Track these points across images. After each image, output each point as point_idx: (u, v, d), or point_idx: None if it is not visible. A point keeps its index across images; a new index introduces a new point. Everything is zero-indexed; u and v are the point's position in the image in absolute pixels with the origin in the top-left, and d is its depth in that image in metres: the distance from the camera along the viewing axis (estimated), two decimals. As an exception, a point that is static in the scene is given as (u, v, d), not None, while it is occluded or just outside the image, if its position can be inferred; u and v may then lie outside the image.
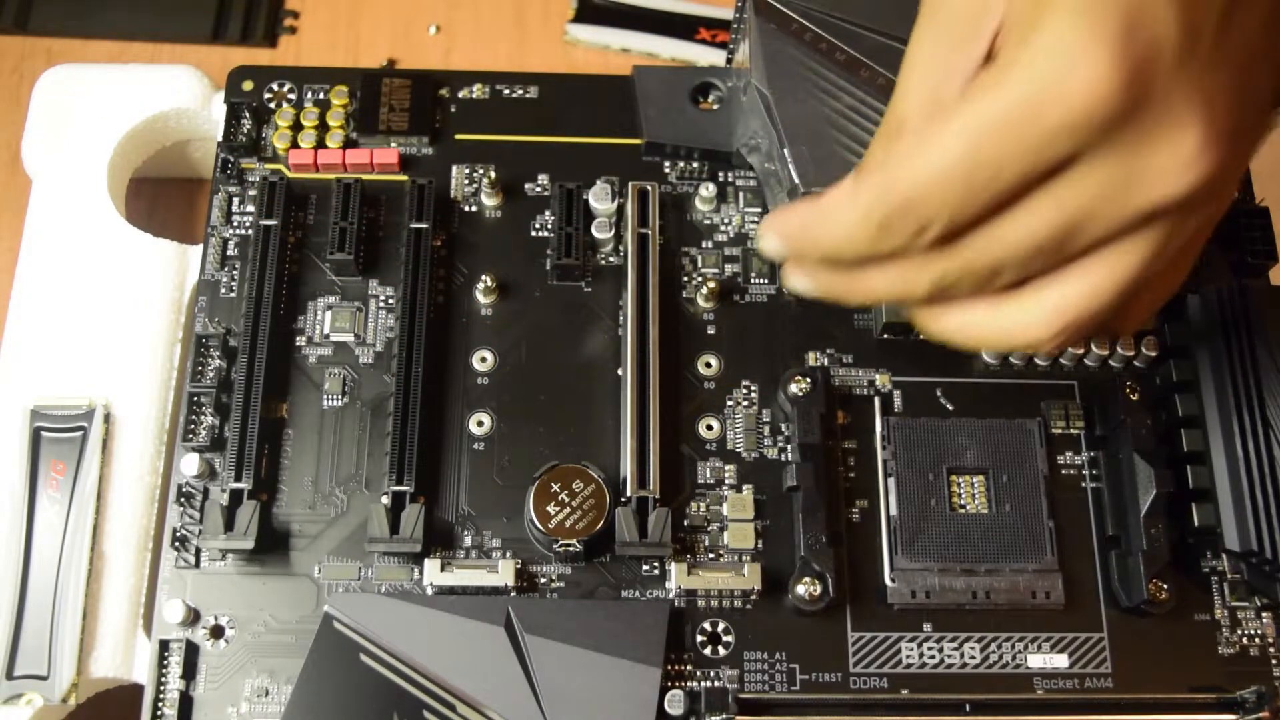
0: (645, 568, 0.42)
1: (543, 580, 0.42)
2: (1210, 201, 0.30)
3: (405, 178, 0.47)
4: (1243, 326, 0.43)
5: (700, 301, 0.46)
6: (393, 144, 0.48)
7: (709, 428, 0.44)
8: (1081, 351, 0.45)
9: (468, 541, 0.43)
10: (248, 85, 0.49)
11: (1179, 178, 0.29)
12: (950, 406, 0.45)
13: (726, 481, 0.44)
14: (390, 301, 0.46)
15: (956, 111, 0.29)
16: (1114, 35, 0.27)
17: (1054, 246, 0.30)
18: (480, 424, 0.44)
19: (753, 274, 0.47)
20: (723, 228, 0.48)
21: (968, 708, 0.40)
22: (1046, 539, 0.42)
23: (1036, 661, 0.42)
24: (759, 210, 0.48)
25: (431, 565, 0.41)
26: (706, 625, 0.42)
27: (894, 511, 0.43)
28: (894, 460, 0.43)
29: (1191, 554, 0.43)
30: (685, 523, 0.43)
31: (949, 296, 0.33)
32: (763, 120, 0.44)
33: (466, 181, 0.48)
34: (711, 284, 0.46)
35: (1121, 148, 0.29)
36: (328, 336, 0.45)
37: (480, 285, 0.46)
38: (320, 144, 0.48)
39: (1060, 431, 0.45)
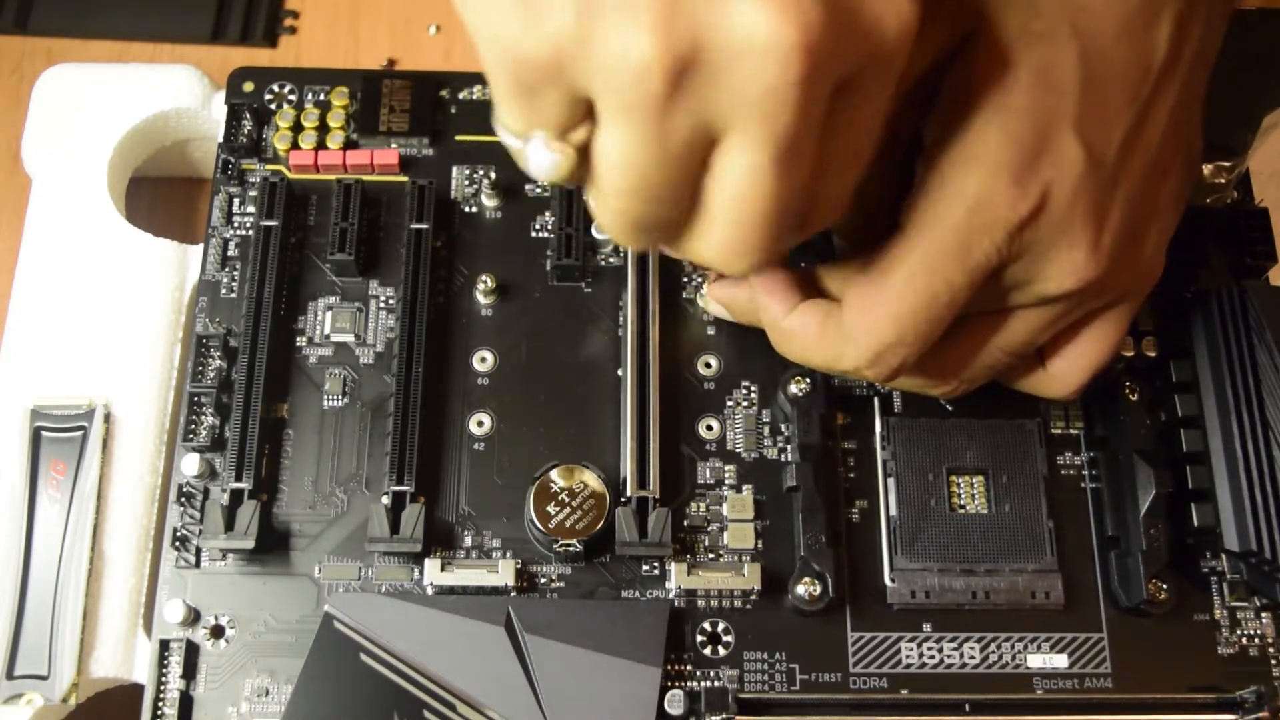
0: (645, 568, 0.42)
1: (543, 580, 0.42)
2: (1103, 293, 0.35)
3: (405, 178, 0.47)
4: (1243, 326, 0.43)
5: (700, 301, 0.46)
6: (393, 145, 0.48)
7: (709, 428, 0.44)
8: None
9: (468, 541, 0.43)
10: (248, 86, 0.49)
11: (1064, 282, 0.34)
12: (950, 406, 0.45)
13: (726, 482, 0.44)
14: (390, 302, 0.46)
15: (897, 261, 0.33)
16: (1019, 167, 0.32)
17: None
18: (480, 424, 0.44)
19: (753, 274, 0.47)
20: (723, 228, 0.48)
21: (967, 708, 0.40)
22: (1046, 539, 0.42)
23: (1036, 661, 0.42)
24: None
25: (431, 565, 0.41)
26: (706, 625, 0.42)
27: (894, 511, 0.43)
28: (894, 460, 0.43)
29: (1191, 554, 0.43)
30: (685, 523, 0.43)
31: None
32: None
33: (467, 182, 0.48)
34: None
35: (1024, 262, 0.33)
36: (328, 337, 0.45)
37: (480, 285, 0.46)
38: (321, 145, 0.48)
39: (1060, 431, 0.45)
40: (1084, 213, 0.32)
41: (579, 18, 0.24)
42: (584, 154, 0.28)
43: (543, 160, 0.28)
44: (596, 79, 0.25)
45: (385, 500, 0.42)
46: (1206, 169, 0.46)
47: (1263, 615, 0.43)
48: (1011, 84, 0.32)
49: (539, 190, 0.48)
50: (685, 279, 0.47)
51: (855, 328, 0.35)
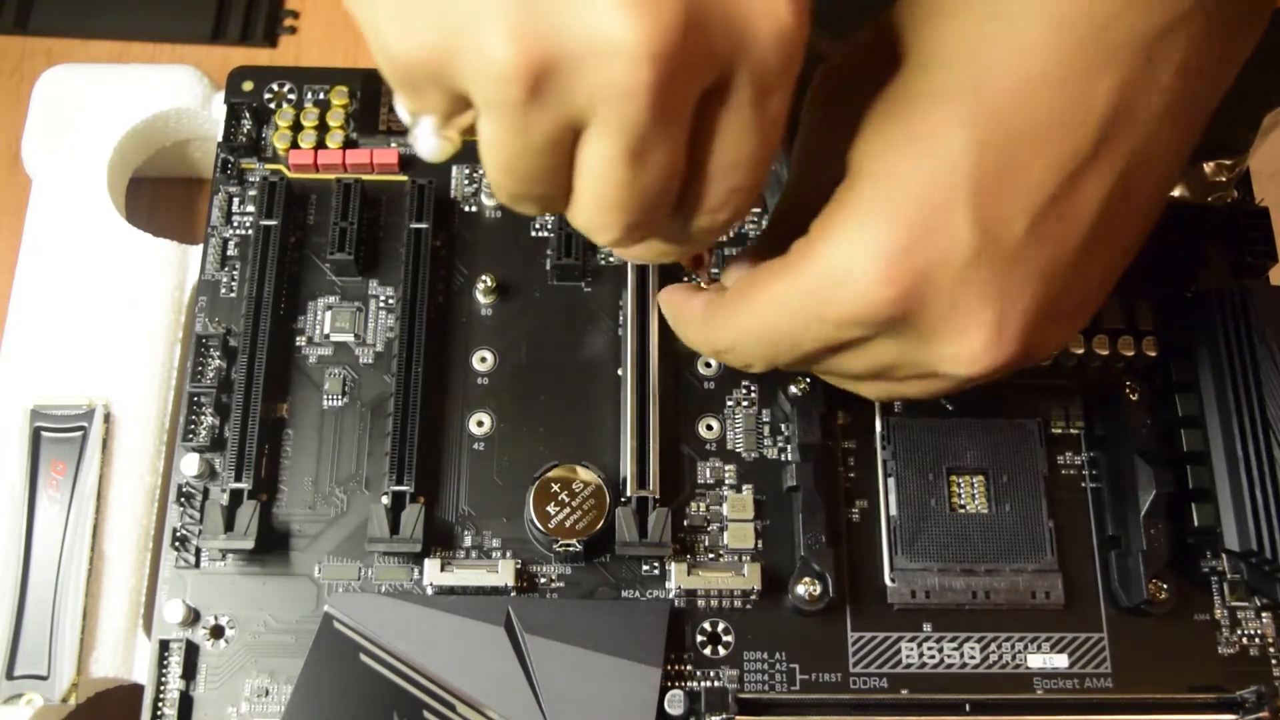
0: (645, 568, 0.42)
1: (543, 580, 0.42)
2: (1011, 368, 0.31)
3: (405, 178, 0.47)
4: (1243, 326, 0.43)
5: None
6: (393, 144, 0.48)
7: (709, 428, 0.44)
8: (1081, 351, 0.45)
9: (468, 541, 0.43)
10: (248, 85, 0.49)
11: (964, 368, 0.31)
12: (950, 406, 0.45)
13: (726, 481, 0.44)
14: (390, 301, 0.46)
15: (759, 284, 0.32)
16: (891, 253, 0.29)
17: (863, 380, 0.35)
18: (480, 424, 0.44)
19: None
20: (723, 228, 0.48)
21: (968, 708, 0.40)
22: (1046, 539, 0.42)
23: (1036, 661, 0.42)
24: (759, 210, 0.48)
25: (431, 565, 0.41)
26: (706, 625, 0.42)
27: (894, 511, 0.43)
28: (894, 460, 0.43)
29: (1191, 554, 0.43)
30: (685, 523, 0.43)
31: None
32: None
33: (466, 181, 0.48)
34: (711, 284, 0.46)
35: (908, 338, 0.31)
36: (328, 336, 0.45)
37: (480, 285, 0.46)
38: (320, 144, 0.48)
39: (1060, 431, 0.45)
40: (977, 298, 0.29)
41: (445, 28, 0.25)
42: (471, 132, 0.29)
43: (428, 144, 0.30)
44: (464, 81, 0.26)
45: (385, 500, 0.42)
46: (1207, 168, 0.45)
47: (1263, 615, 0.43)
48: (900, 145, 0.29)
49: (539, 190, 0.48)
50: (685, 279, 0.47)
51: (706, 317, 0.36)
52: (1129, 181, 0.29)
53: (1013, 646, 0.42)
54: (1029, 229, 0.29)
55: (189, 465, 0.42)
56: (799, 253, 0.31)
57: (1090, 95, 0.28)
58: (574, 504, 0.41)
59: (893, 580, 0.42)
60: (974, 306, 0.29)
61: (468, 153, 0.49)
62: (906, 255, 0.29)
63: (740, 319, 0.34)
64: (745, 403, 0.45)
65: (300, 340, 0.45)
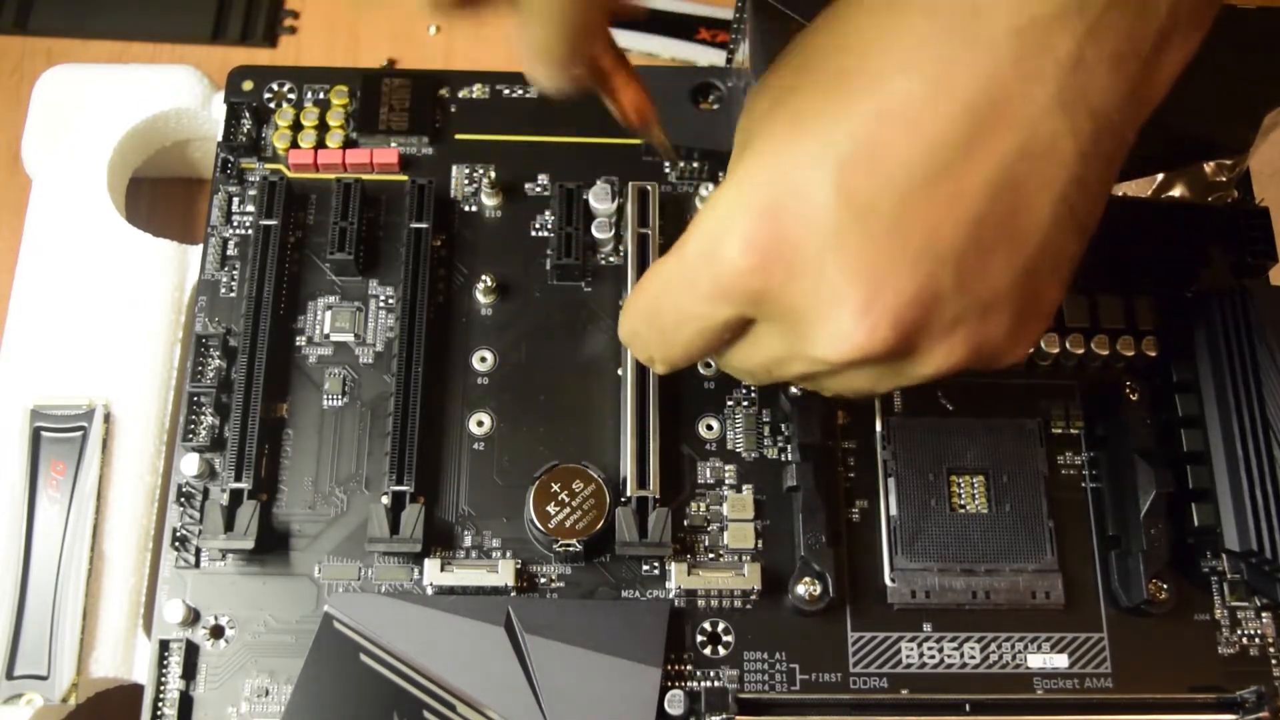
0: (645, 568, 0.42)
1: (543, 580, 0.42)
2: (888, 355, 0.30)
3: (405, 178, 0.47)
4: (1243, 326, 0.43)
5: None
6: (393, 144, 0.48)
7: (709, 428, 0.44)
8: (1081, 352, 0.45)
9: (468, 541, 0.43)
10: (248, 85, 0.49)
11: (836, 346, 0.29)
12: (950, 406, 0.45)
13: (726, 481, 0.44)
14: (390, 301, 0.46)
15: (654, 265, 0.33)
16: (754, 219, 0.29)
17: (765, 376, 0.34)
18: (480, 424, 0.44)
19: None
20: (723, 228, 0.48)
21: (968, 708, 0.40)
22: (1046, 539, 0.42)
23: (1036, 661, 0.42)
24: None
25: (431, 565, 0.41)
26: (706, 625, 0.42)
27: (894, 511, 0.43)
28: (894, 460, 0.43)
29: (1191, 554, 0.43)
30: (685, 523, 0.43)
31: None
32: (763, 120, 0.44)
33: (466, 181, 0.48)
34: None
35: (785, 322, 0.30)
36: (328, 336, 0.45)
37: (480, 285, 0.46)
38: (320, 144, 0.48)
39: (1060, 431, 0.45)
40: (843, 273, 0.28)
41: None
42: None
43: None
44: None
45: (385, 500, 0.42)
46: (1207, 168, 0.45)
47: (1263, 615, 0.43)
48: (785, 123, 0.30)
49: (539, 189, 0.48)
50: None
51: (625, 305, 0.37)
52: (1016, 175, 0.28)
53: (1013, 646, 0.42)
54: (898, 209, 0.28)
55: (189, 465, 0.42)
56: (687, 229, 0.32)
57: (956, 83, 0.28)
58: (574, 504, 0.41)
59: (893, 580, 0.42)
60: (840, 282, 0.29)
61: (468, 152, 0.49)
62: (769, 219, 0.29)
63: (635, 300, 0.35)
64: (745, 403, 0.45)
65: (300, 340, 0.45)
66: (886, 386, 0.33)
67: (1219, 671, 0.42)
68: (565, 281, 0.47)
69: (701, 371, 0.45)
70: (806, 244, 0.29)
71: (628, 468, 0.42)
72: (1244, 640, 0.42)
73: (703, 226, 0.31)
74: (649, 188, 0.47)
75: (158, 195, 0.54)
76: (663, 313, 0.33)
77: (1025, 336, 0.31)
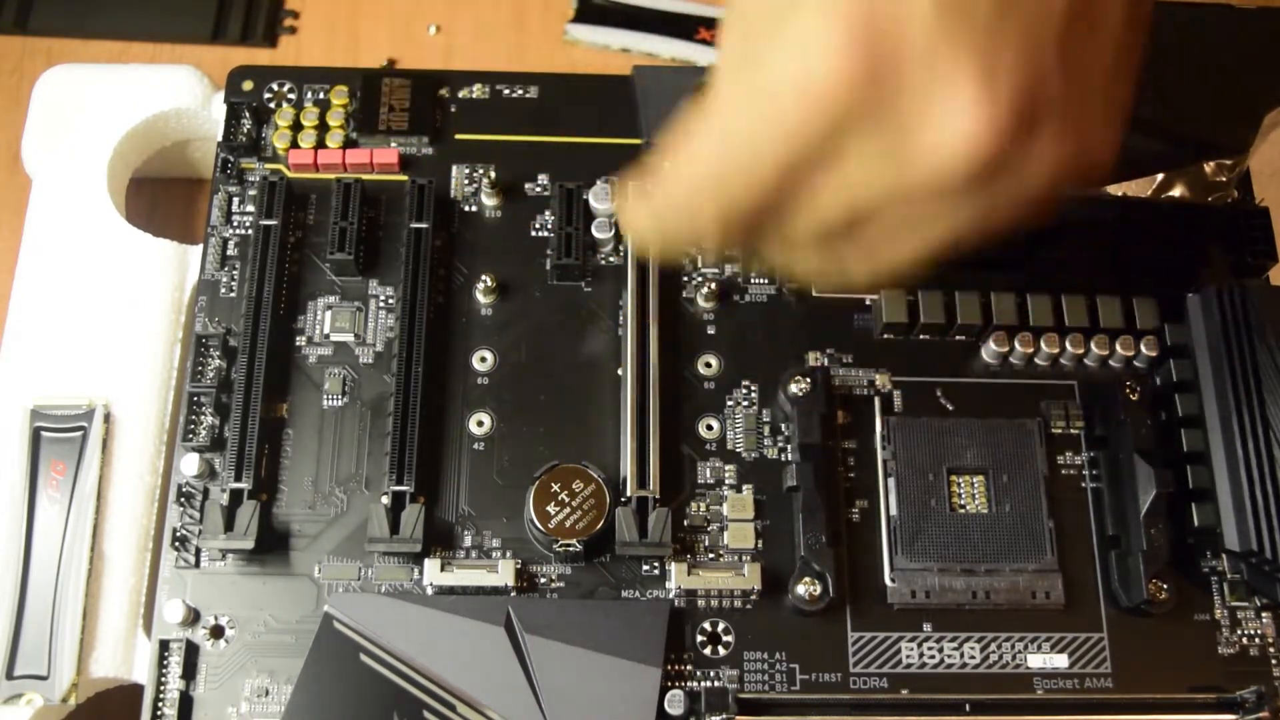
0: (645, 568, 0.42)
1: (543, 580, 0.42)
2: (1012, 134, 0.28)
3: (405, 178, 0.47)
4: (1243, 326, 0.43)
5: (700, 301, 0.46)
6: (393, 144, 0.48)
7: (709, 428, 0.44)
8: (1081, 352, 0.45)
9: (468, 541, 0.43)
10: (248, 85, 0.49)
11: (960, 125, 0.27)
12: (950, 406, 0.45)
13: (726, 481, 0.44)
14: (390, 301, 0.46)
15: (708, 101, 0.30)
16: (848, 22, 0.27)
17: (843, 227, 0.31)
18: (480, 424, 0.44)
19: (752, 274, 0.47)
20: (723, 228, 0.48)
21: (968, 708, 0.40)
22: (1046, 539, 0.42)
23: (1036, 661, 0.42)
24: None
25: (431, 565, 0.41)
26: (706, 625, 0.42)
27: (894, 511, 0.43)
28: (894, 460, 0.43)
29: (1191, 554, 0.43)
30: (685, 523, 0.43)
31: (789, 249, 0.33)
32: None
33: (466, 181, 0.48)
34: (712, 284, 0.46)
35: (888, 127, 0.28)
36: (328, 336, 0.45)
37: (480, 285, 0.46)
38: (320, 144, 0.48)
39: (1060, 431, 0.45)
40: (955, 52, 0.27)
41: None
42: None
43: None
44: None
45: (385, 500, 0.42)
46: (1207, 168, 0.45)
47: (1263, 615, 0.43)
48: None
49: (539, 189, 0.48)
50: (685, 279, 0.47)
51: (660, 179, 0.32)
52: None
53: (1013, 646, 0.42)
54: (997, 5, 0.27)
55: (189, 465, 0.42)
56: (746, 52, 0.29)
57: None
58: (574, 504, 0.41)
59: (893, 580, 0.42)
60: (953, 71, 0.27)
61: (468, 152, 0.49)
62: (866, 25, 0.27)
63: (691, 147, 0.31)
64: (745, 403, 0.45)
65: (300, 340, 0.45)
66: (978, 217, 0.30)
67: (1219, 671, 0.42)
68: (565, 281, 0.47)
69: (701, 371, 0.45)
70: (912, 41, 0.27)
71: (628, 468, 0.42)
72: (1244, 640, 0.42)
73: (779, 57, 0.28)
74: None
75: (158, 195, 0.54)
76: (735, 148, 0.30)
77: (1112, 131, 0.30)
